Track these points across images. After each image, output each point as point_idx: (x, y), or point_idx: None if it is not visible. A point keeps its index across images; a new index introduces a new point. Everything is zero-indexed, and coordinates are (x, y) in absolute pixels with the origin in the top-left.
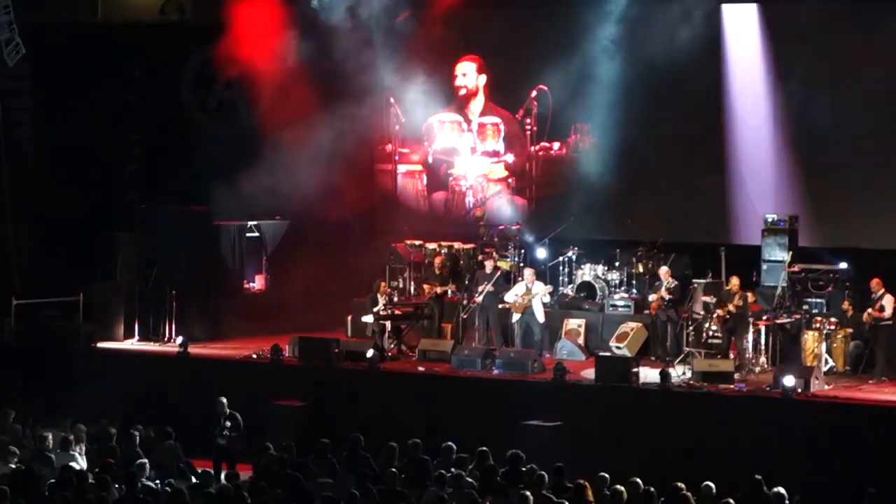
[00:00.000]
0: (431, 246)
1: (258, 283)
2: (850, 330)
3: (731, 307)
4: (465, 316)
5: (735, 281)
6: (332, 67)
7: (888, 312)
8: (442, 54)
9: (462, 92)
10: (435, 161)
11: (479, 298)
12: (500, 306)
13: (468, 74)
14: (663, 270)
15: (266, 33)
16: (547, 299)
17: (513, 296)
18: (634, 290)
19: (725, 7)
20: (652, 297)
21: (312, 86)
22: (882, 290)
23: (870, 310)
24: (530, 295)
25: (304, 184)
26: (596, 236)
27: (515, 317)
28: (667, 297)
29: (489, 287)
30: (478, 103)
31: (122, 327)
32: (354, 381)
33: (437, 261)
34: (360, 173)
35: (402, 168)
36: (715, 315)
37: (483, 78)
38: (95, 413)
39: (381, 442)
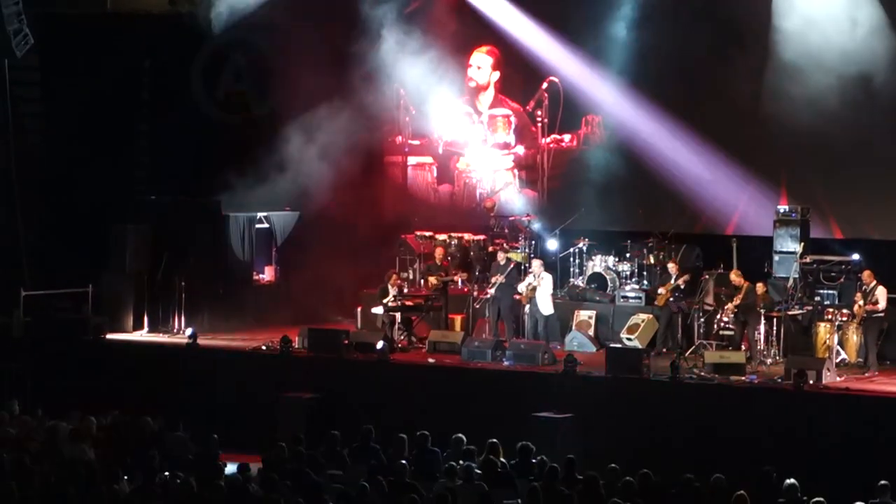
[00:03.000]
0: (441, 237)
1: (268, 274)
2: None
3: (737, 300)
4: (477, 305)
5: (734, 276)
6: (343, 58)
7: (882, 304)
8: (453, 45)
9: (472, 84)
10: (445, 153)
11: (492, 291)
12: (513, 297)
13: (482, 68)
14: (671, 265)
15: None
16: (549, 288)
17: (522, 286)
18: (645, 282)
19: None
20: (661, 291)
21: (323, 76)
22: (874, 282)
23: (861, 302)
24: (535, 284)
25: (314, 175)
26: (607, 227)
27: (526, 308)
28: (682, 285)
29: (501, 278)
30: (487, 96)
31: (131, 319)
32: (364, 373)
33: (438, 252)
34: (370, 165)
35: (412, 160)
36: (726, 307)
37: (496, 74)
38: (105, 404)
39: (391, 433)
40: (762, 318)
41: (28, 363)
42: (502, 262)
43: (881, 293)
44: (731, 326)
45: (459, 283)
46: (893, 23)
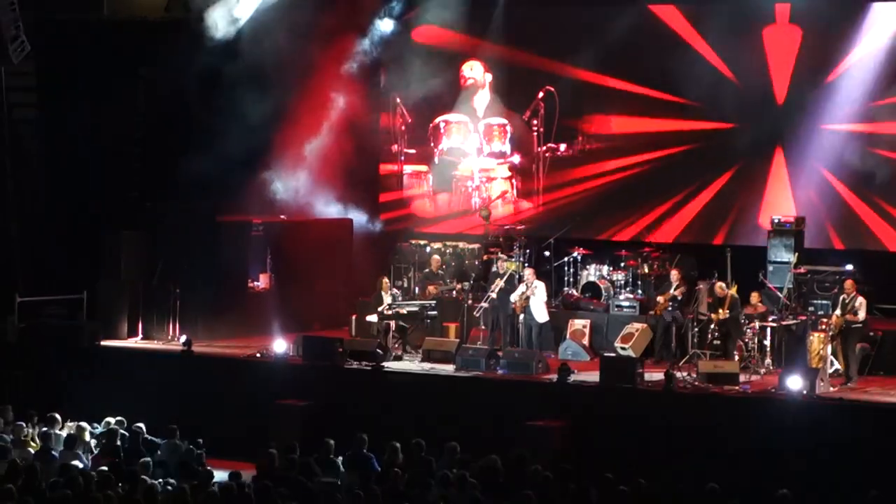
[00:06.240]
0: (436, 246)
1: (262, 281)
2: None
3: (723, 313)
4: (477, 314)
5: (717, 288)
6: (339, 66)
7: (861, 315)
8: (449, 54)
9: (469, 83)
10: (441, 162)
11: (494, 295)
12: (510, 306)
13: (475, 69)
14: (674, 273)
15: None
16: (543, 296)
17: (515, 295)
18: (639, 291)
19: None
20: (660, 299)
21: (320, 86)
22: (854, 293)
23: (838, 311)
24: (529, 294)
25: (310, 183)
26: (601, 237)
27: (520, 317)
28: (679, 296)
29: (502, 283)
30: (483, 98)
31: (126, 325)
32: (358, 381)
33: (434, 261)
34: (366, 173)
35: (408, 168)
36: (713, 318)
37: (489, 76)
38: (99, 411)
39: (385, 442)
40: (741, 329)
41: (22, 369)
42: (501, 270)
43: (861, 304)
44: (721, 338)
45: (454, 292)
46: None
